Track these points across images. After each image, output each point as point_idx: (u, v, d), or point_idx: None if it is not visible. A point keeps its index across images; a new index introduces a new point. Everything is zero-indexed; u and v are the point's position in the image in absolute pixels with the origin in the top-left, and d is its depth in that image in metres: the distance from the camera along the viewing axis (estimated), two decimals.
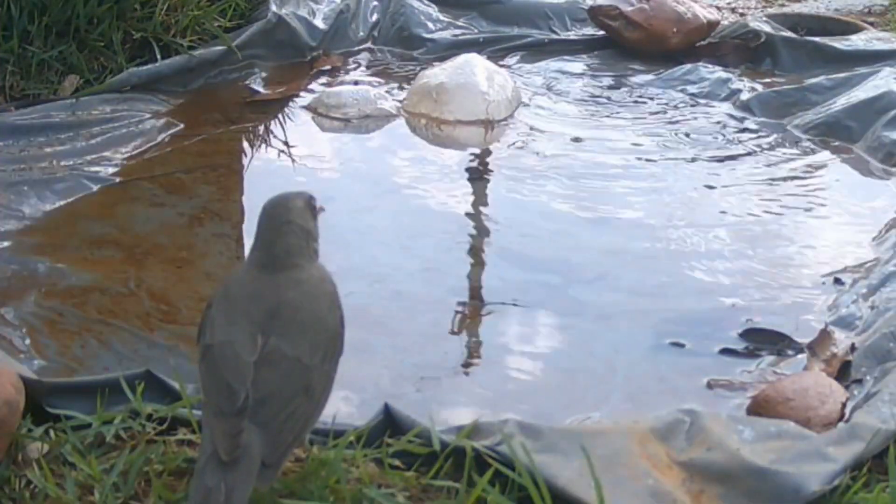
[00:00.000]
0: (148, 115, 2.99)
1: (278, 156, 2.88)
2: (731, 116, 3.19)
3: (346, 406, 1.84)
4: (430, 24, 3.66)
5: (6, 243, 2.37)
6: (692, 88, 3.37)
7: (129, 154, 2.82)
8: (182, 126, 2.97)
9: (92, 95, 2.97)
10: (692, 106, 3.27)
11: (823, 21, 3.84)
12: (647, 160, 2.92)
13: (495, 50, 3.60)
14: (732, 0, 4.29)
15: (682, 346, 2.12)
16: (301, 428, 1.43)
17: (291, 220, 1.52)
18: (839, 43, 3.49)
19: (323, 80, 3.35)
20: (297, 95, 3.23)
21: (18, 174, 2.64)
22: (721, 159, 2.93)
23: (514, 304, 2.24)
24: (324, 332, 1.48)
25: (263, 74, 3.32)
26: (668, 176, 2.83)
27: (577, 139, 3.02)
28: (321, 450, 1.56)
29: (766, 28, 3.60)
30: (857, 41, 3.51)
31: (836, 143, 2.99)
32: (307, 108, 3.15)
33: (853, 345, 2.00)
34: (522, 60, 3.57)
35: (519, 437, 1.56)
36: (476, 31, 3.69)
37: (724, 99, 3.29)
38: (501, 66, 3.40)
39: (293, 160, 2.86)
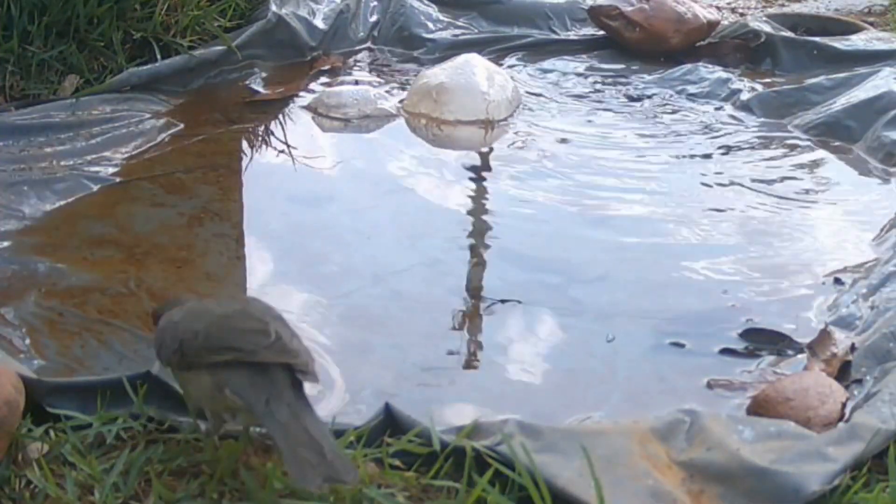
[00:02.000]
0: (148, 115, 2.99)
1: (278, 156, 2.88)
2: (731, 116, 3.19)
3: (346, 406, 1.84)
4: (430, 24, 3.66)
5: (6, 243, 2.36)
6: (692, 88, 3.37)
7: (129, 154, 2.82)
8: (182, 126, 2.97)
9: (92, 95, 2.97)
10: (692, 106, 3.27)
11: (823, 21, 3.84)
12: (648, 160, 2.92)
13: (495, 50, 3.60)
14: (732, 0, 4.29)
15: (682, 346, 2.12)
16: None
17: None
18: (839, 43, 3.50)
19: (323, 80, 3.35)
20: (297, 95, 3.23)
21: (18, 174, 2.64)
22: (721, 159, 2.94)
23: (516, 304, 2.24)
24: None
25: (263, 74, 3.32)
26: (668, 176, 2.83)
27: (564, 140, 3.02)
28: None
29: (766, 28, 3.60)
30: (857, 41, 3.51)
31: (836, 143, 2.99)
32: (307, 108, 3.15)
33: (853, 345, 2.00)
34: (522, 60, 3.57)
35: (519, 437, 1.56)
36: (476, 31, 3.69)
37: (724, 99, 3.29)
38: (501, 66, 3.41)
39: (293, 160, 2.86)
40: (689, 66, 3.47)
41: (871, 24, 3.82)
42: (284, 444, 1.40)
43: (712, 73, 3.42)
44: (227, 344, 1.49)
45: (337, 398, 1.84)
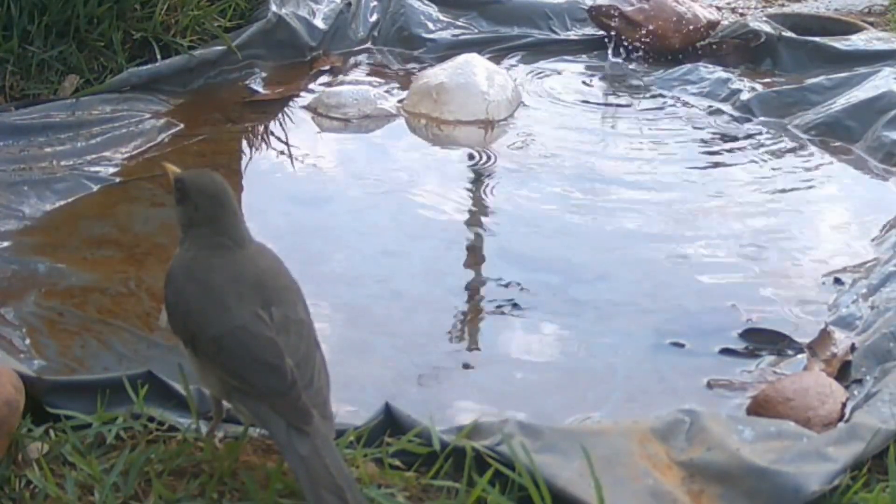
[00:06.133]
0: (148, 115, 2.99)
1: (278, 156, 2.89)
2: (731, 116, 3.19)
3: (346, 406, 1.84)
4: (430, 24, 3.66)
5: (6, 243, 2.37)
6: (692, 88, 3.37)
7: (129, 154, 2.82)
8: (182, 126, 2.97)
9: (92, 95, 2.97)
10: (692, 106, 3.27)
11: (823, 21, 3.84)
12: (647, 160, 2.92)
13: (495, 50, 3.60)
14: (732, 0, 4.29)
15: (682, 346, 2.12)
16: (326, 377, 1.50)
17: (232, 195, 1.57)
18: (839, 43, 3.50)
19: (323, 80, 3.35)
20: (297, 95, 3.23)
21: (18, 174, 2.64)
22: (721, 159, 2.94)
23: (514, 304, 2.24)
24: (297, 289, 1.56)
25: (263, 74, 3.32)
26: (667, 175, 2.83)
27: (563, 140, 3.03)
28: None
29: (766, 28, 3.60)
30: (857, 41, 3.51)
31: (836, 143, 3.00)
32: (307, 108, 3.15)
33: (853, 345, 2.00)
34: (522, 60, 3.57)
35: (519, 437, 1.56)
36: (476, 31, 3.70)
37: (724, 99, 3.29)
38: (501, 66, 3.41)
39: (293, 160, 2.86)
40: (689, 66, 3.47)
41: (871, 24, 3.82)
42: (306, 482, 1.39)
43: (712, 73, 3.42)
44: (239, 374, 1.46)
45: (337, 398, 1.84)
